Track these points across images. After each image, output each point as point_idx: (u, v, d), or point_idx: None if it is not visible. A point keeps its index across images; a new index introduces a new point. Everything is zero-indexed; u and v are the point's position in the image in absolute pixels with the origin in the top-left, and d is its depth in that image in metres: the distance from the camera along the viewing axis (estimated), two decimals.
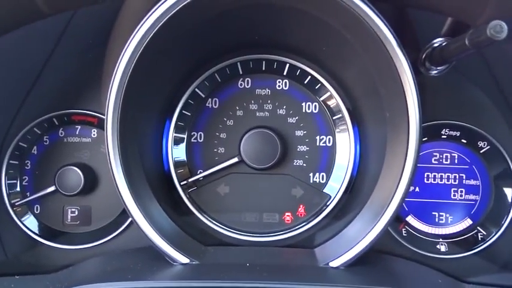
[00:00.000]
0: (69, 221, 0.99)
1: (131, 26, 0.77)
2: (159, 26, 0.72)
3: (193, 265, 0.79)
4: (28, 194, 0.98)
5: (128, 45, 0.73)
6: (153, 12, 0.72)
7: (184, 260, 0.79)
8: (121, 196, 0.78)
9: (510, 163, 0.95)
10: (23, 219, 0.97)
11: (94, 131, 0.99)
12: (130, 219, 0.96)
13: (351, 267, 0.79)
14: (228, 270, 0.74)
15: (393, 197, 0.78)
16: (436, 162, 0.99)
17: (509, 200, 0.95)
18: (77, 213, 0.99)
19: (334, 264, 0.79)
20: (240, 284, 0.66)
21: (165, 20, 0.72)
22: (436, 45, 0.75)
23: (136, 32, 0.73)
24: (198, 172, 0.98)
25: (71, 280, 0.75)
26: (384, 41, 0.69)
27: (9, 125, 0.95)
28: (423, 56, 0.76)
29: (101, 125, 0.98)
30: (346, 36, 0.76)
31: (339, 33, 0.79)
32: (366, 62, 0.79)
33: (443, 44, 0.73)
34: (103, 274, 0.79)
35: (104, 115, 0.96)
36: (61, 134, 0.99)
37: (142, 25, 0.72)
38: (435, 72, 0.77)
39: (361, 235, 0.79)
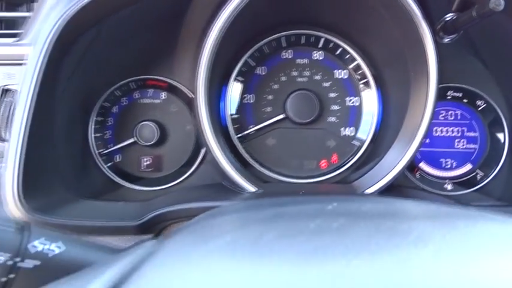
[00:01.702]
0: (143, 168, 1.20)
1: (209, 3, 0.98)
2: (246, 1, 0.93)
3: (261, 192, 1.00)
4: (110, 145, 1.18)
5: (219, 18, 0.94)
6: None
7: (253, 188, 1.00)
8: (208, 141, 0.98)
9: (500, 114, 1.19)
10: (107, 165, 1.18)
11: (163, 94, 1.20)
12: (194, 166, 1.19)
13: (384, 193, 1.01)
14: (292, 193, 0.96)
15: (412, 143, 1.01)
16: (443, 118, 1.22)
17: (502, 143, 1.19)
18: (150, 161, 1.19)
19: (369, 191, 1.01)
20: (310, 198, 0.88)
21: None
22: (448, 18, 0.97)
23: (227, 6, 0.94)
24: (250, 127, 1.20)
25: (159, 205, 0.94)
26: (412, 14, 0.92)
27: (96, 88, 1.16)
28: (438, 28, 0.99)
29: (169, 89, 1.19)
30: (380, 12, 0.98)
31: (371, 11, 1.01)
32: (394, 34, 1.01)
33: (454, 17, 0.95)
34: (186, 199, 0.99)
35: (173, 80, 1.18)
36: (136, 96, 1.20)
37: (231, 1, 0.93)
38: (447, 40, 0.99)
39: (388, 169, 1.02)
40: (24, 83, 0.87)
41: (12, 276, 0.53)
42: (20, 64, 0.96)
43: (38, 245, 0.55)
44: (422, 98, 0.99)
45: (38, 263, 0.54)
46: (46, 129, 0.93)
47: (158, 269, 0.33)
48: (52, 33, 0.87)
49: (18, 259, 0.53)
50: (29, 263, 0.53)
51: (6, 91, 0.97)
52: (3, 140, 0.96)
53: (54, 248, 0.56)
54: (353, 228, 0.34)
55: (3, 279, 0.52)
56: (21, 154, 0.84)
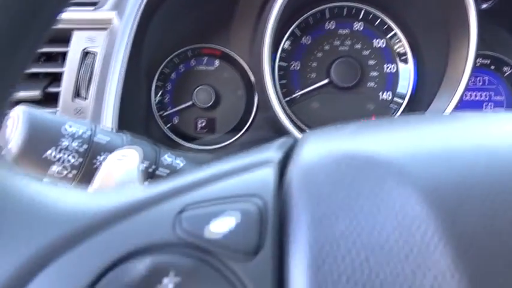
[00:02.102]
0: (199, 129, 1.31)
1: None
2: None
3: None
4: (169, 108, 1.29)
5: None
6: None
7: None
8: (272, 102, 1.09)
9: None
10: (166, 126, 1.29)
11: (217, 62, 1.31)
12: (244, 128, 1.30)
13: None
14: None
15: (447, 106, 1.12)
16: (472, 84, 1.33)
17: None
18: (205, 123, 1.30)
19: None
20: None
21: None
22: None
23: None
24: (296, 91, 1.31)
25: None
26: None
27: (159, 55, 1.27)
28: None
29: (223, 57, 1.30)
30: None
31: None
32: (434, 1, 1.12)
33: None
34: None
35: (227, 49, 1.29)
36: (192, 63, 1.30)
37: None
38: (485, 5, 1.10)
39: None
40: (114, 47, 0.98)
41: (150, 180, 0.64)
42: (101, 29, 1.07)
43: (168, 158, 0.66)
44: (460, 63, 1.10)
45: (168, 171, 0.65)
46: (131, 94, 1.04)
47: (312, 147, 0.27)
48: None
49: (154, 167, 0.64)
50: (162, 172, 0.64)
51: (87, 54, 1.08)
52: (84, 98, 1.07)
53: (179, 161, 0.67)
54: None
55: (146, 183, 0.63)
56: (113, 115, 0.95)
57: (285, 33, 1.30)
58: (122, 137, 0.64)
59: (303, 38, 1.31)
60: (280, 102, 1.24)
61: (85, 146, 0.56)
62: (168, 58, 1.29)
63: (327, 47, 1.31)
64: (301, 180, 0.22)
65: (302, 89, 1.30)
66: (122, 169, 0.43)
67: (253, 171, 0.22)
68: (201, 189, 0.21)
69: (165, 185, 0.22)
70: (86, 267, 0.19)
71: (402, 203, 0.21)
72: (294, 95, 1.30)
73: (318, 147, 0.25)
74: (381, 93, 1.32)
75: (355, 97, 1.31)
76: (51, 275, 0.19)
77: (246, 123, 1.30)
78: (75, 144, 0.55)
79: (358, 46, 1.31)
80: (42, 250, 0.19)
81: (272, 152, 0.25)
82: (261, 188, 0.21)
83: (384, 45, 1.31)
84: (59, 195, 0.22)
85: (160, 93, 1.29)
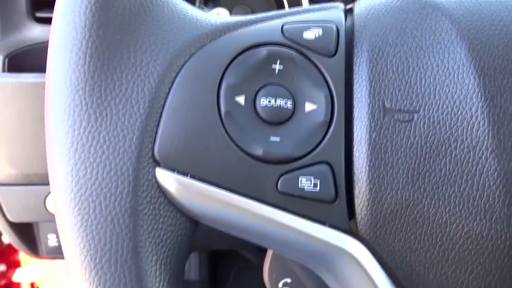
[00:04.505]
0: None
1: None
2: None
3: None
4: None
5: None
6: None
7: None
8: None
9: None
10: None
11: None
12: None
13: None
14: None
15: None
16: None
17: None
18: None
19: None
20: None
21: None
22: None
23: None
24: None
25: None
26: None
27: None
28: None
29: None
30: None
31: None
32: None
33: None
34: None
35: None
36: None
37: None
38: None
39: None
40: None
41: None
42: None
43: None
44: None
45: None
46: None
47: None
48: None
49: None
50: None
51: None
52: None
53: None
54: None
55: None
56: None
57: None
58: None
59: None
60: None
61: None
62: None
63: None
64: (364, 13, 0.29)
65: None
66: None
67: (327, 9, 0.30)
68: (294, 15, 0.29)
69: (267, 12, 0.30)
70: (222, 53, 0.27)
71: (446, 44, 0.27)
72: None
73: None
74: None
75: None
76: (195, 62, 0.26)
77: None
78: None
79: None
80: (187, 44, 0.26)
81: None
82: (335, 16, 0.29)
83: None
84: (189, 7, 0.28)
85: None
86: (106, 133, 0.25)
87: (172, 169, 0.25)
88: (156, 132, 0.25)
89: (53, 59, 0.25)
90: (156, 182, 0.25)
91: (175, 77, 0.26)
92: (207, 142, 0.25)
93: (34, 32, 0.60)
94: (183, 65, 0.26)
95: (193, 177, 0.25)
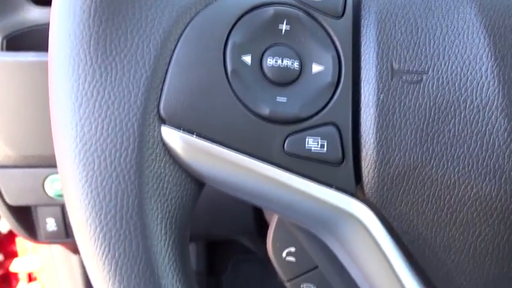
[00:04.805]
0: None
1: None
2: None
3: None
4: None
5: None
6: None
7: None
8: None
9: None
10: None
11: None
12: None
13: None
14: None
15: None
16: None
17: None
18: None
19: None
20: None
21: None
22: None
23: None
24: None
25: None
26: None
27: None
28: None
29: None
30: None
31: None
32: None
33: None
34: None
35: None
36: None
37: None
38: None
39: None
40: None
41: None
42: None
43: None
44: None
45: None
46: None
47: None
48: None
49: None
50: None
51: None
52: None
53: None
54: None
55: None
56: None
57: None
58: None
59: None
60: None
61: None
62: None
63: None
64: None
65: None
66: None
67: None
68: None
69: None
70: (228, 12, 0.26)
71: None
72: None
73: None
74: None
75: None
76: (201, 20, 0.26)
77: None
78: None
79: None
80: (193, 1, 0.26)
81: None
82: None
83: None
84: None
85: None
86: (111, 88, 0.24)
87: (177, 127, 0.25)
88: (162, 89, 0.25)
89: (57, 12, 0.25)
90: (162, 139, 0.25)
91: (181, 34, 0.25)
92: (212, 100, 0.25)
93: (33, 13, 0.59)
94: (189, 22, 0.25)
95: (198, 135, 0.25)
